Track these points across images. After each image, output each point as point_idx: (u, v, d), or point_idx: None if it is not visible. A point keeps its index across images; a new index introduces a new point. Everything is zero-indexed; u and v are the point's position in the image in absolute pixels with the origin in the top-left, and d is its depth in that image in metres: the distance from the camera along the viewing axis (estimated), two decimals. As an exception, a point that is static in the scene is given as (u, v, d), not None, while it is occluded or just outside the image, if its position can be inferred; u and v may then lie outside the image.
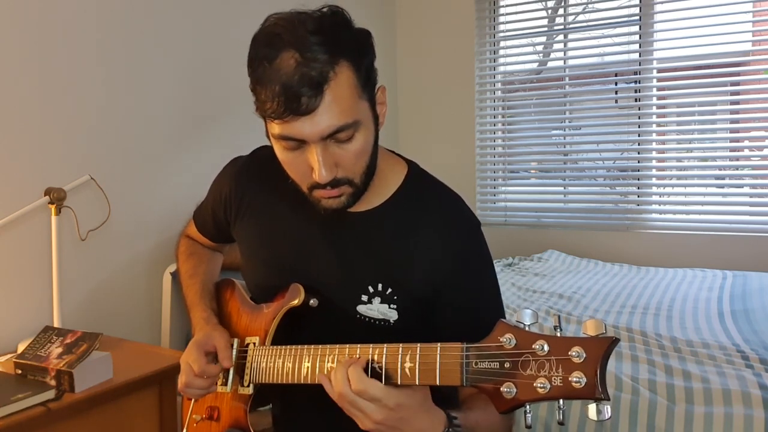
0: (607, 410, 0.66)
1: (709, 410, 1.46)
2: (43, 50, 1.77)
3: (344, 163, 0.90)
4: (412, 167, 1.05)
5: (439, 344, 0.77)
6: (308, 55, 0.82)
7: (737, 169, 3.16)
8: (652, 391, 1.54)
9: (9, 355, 1.58)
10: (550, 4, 3.49)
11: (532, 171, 3.61)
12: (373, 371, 0.81)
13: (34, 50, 1.74)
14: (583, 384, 0.66)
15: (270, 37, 0.86)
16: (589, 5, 3.30)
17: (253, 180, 1.10)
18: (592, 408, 0.67)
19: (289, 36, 0.84)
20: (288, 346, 0.95)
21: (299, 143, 0.87)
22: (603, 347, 0.66)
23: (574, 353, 0.67)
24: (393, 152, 1.07)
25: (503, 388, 0.70)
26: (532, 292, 2.45)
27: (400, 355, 0.80)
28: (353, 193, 0.93)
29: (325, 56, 0.83)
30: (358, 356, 0.84)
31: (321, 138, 0.86)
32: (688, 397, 1.51)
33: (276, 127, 0.86)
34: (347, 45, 0.85)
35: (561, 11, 3.48)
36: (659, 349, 1.78)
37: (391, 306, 0.97)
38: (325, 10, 0.89)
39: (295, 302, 0.98)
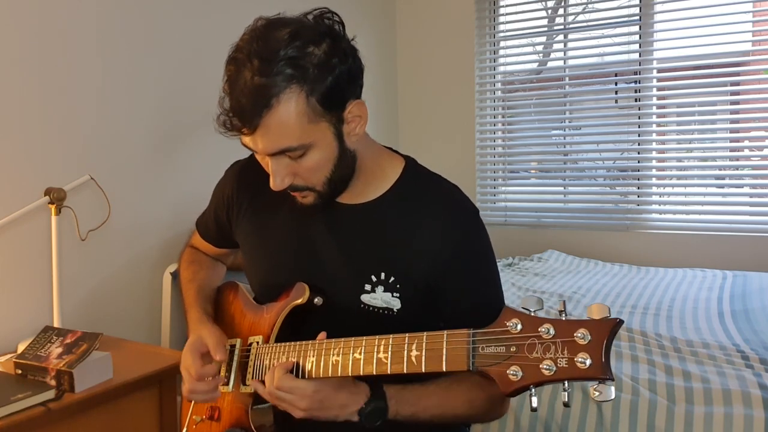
0: (611, 391, 0.66)
1: (709, 410, 1.46)
2: (43, 50, 1.77)
3: (301, 174, 0.93)
4: (409, 161, 1.07)
5: (445, 331, 0.79)
6: (257, 80, 0.85)
7: (737, 169, 3.16)
8: (652, 391, 1.54)
9: (9, 355, 1.58)
10: (550, 4, 3.49)
11: (532, 171, 3.62)
12: (302, 370, 0.90)
13: (33, 50, 1.74)
14: (588, 365, 0.66)
15: (237, 50, 0.89)
16: (589, 5, 3.30)
17: (253, 180, 1.12)
18: (597, 389, 0.67)
19: (249, 56, 0.86)
20: (291, 343, 0.95)
21: None
22: (608, 328, 0.67)
23: (579, 335, 0.67)
24: (390, 149, 1.09)
25: (509, 371, 0.71)
26: (533, 292, 2.45)
27: (406, 345, 0.81)
28: (318, 197, 0.97)
29: (276, 81, 0.85)
30: (353, 348, 0.87)
31: (267, 154, 0.90)
32: (688, 397, 1.51)
33: (241, 136, 0.92)
34: (305, 70, 0.86)
35: (561, 11, 3.48)
36: (659, 349, 1.77)
37: (395, 295, 0.98)
38: (309, 18, 0.91)
39: (299, 301, 0.98)
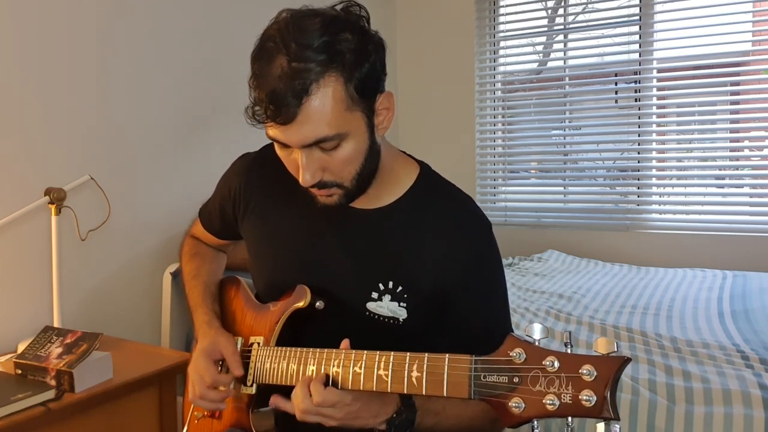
0: (616, 429, 0.65)
1: (709, 410, 1.46)
2: (43, 50, 1.77)
3: (331, 168, 0.90)
4: (424, 168, 1.05)
5: (447, 355, 0.77)
6: (295, 65, 0.82)
7: (737, 169, 3.16)
8: (652, 391, 1.54)
9: (9, 355, 1.58)
10: (550, 4, 3.49)
11: (532, 171, 3.62)
12: (332, 381, 0.86)
13: (34, 50, 1.74)
14: (593, 403, 0.65)
15: (267, 39, 0.87)
16: (589, 5, 3.30)
17: (262, 176, 1.10)
18: (600, 427, 0.66)
19: (284, 42, 0.84)
20: (293, 348, 0.94)
21: (287, 145, 0.89)
22: (615, 366, 0.65)
23: (585, 371, 0.66)
24: (405, 153, 1.07)
25: (511, 403, 0.70)
26: (532, 292, 2.45)
27: (407, 364, 0.80)
28: (344, 194, 0.94)
29: (313, 67, 0.83)
30: (353, 361, 0.85)
31: (302, 146, 0.87)
32: (688, 397, 1.51)
33: (267, 128, 0.88)
34: (342, 56, 0.84)
35: (561, 11, 3.48)
36: (659, 349, 1.77)
37: (401, 304, 0.97)
38: (338, 9, 0.89)
39: (300, 304, 0.98)
